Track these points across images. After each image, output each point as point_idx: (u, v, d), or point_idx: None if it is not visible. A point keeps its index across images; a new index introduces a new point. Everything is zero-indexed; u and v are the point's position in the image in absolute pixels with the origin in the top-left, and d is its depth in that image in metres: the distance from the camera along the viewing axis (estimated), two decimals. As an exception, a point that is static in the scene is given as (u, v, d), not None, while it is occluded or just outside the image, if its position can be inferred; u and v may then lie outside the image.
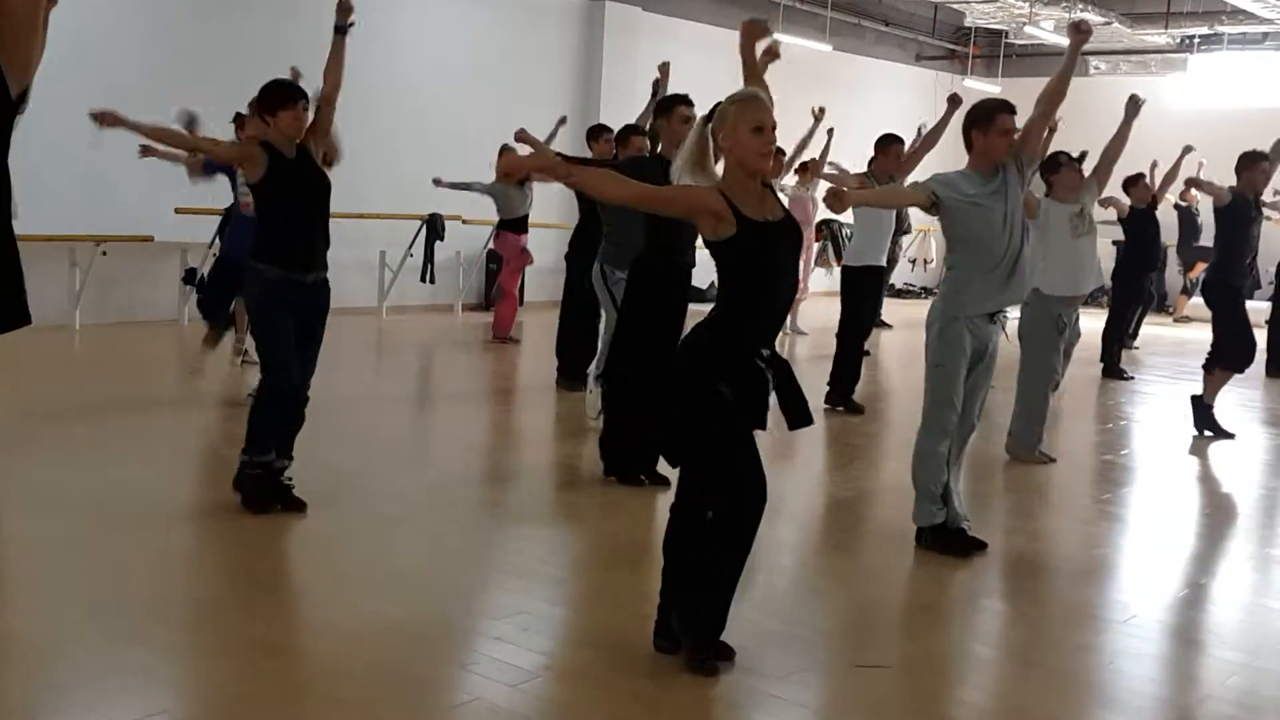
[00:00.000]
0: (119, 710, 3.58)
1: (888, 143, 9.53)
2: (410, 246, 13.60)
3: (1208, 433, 8.72)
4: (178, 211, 11.45)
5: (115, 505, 5.66)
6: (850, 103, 18.89)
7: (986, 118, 5.43)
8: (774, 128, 3.85)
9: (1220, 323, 8.70)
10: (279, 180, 5.48)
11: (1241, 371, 8.78)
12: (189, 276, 11.84)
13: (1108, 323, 11.96)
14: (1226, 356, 8.58)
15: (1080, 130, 21.04)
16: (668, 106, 6.73)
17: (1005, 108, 5.48)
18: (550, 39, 15.49)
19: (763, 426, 3.96)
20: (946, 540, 5.57)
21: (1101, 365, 11.66)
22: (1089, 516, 6.70)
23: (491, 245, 12.99)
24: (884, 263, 9.57)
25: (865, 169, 9.53)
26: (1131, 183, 11.82)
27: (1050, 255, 7.47)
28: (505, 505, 6.35)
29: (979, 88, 20.39)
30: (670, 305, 6.33)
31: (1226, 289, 8.70)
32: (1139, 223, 11.63)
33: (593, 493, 6.47)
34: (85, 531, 5.19)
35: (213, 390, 8.81)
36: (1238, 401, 10.03)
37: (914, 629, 4.72)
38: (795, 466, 7.22)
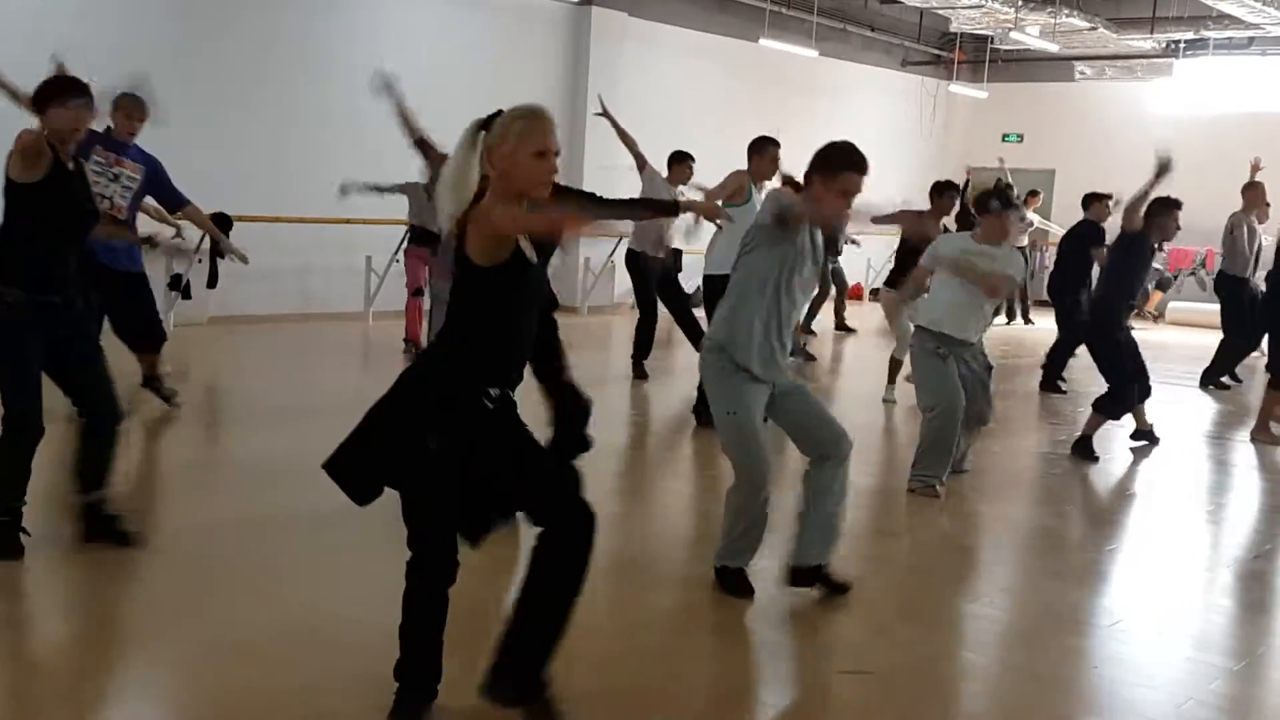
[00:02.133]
0: (98, 718, 3.56)
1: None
2: (396, 252, 13.57)
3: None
4: (163, 217, 11.43)
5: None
6: (836, 108, 18.95)
7: (831, 168, 4.60)
8: (558, 153, 3.44)
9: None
10: (51, 190, 4.74)
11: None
12: (174, 282, 11.86)
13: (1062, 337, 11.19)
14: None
15: (1064, 135, 21.26)
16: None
17: (858, 166, 4.59)
18: (536, 44, 15.47)
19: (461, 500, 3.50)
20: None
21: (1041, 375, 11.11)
22: (1075, 522, 6.71)
23: (401, 259, 12.11)
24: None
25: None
26: (1093, 199, 11.57)
27: (941, 289, 6.87)
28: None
29: (965, 93, 20.47)
30: None
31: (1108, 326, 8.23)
32: (1086, 242, 10.91)
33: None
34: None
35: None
36: (1228, 408, 10.06)
37: (898, 635, 4.71)
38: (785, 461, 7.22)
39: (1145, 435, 8.62)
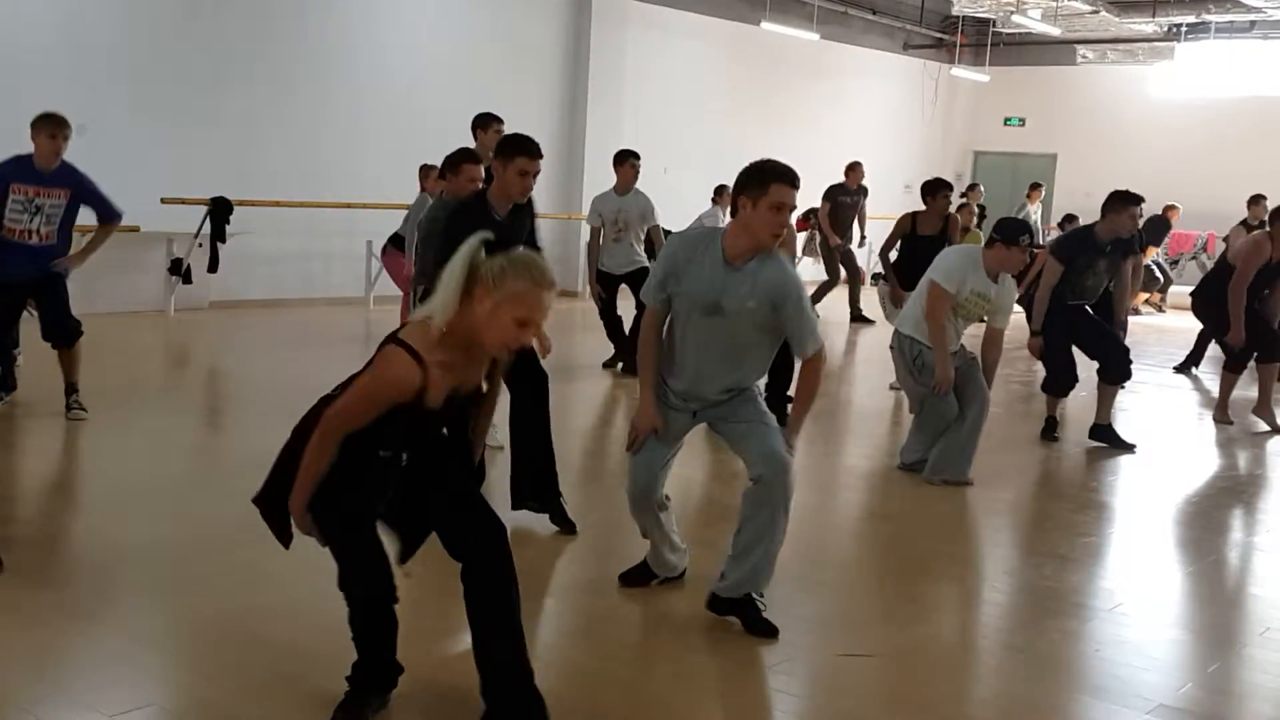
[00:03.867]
0: (106, 702, 3.57)
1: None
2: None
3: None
4: (164, 201, 11.43)
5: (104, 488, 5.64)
6: (838, 92, 18.93)
7: (759, 183, 4.15)
8: (541, 322, 3.28)
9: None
10: None
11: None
12: (175, 267, 11.87)
13: None
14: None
15: (1066, 119, 21.24)
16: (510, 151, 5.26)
17: (784, 177, 4.15)
18: (538, 27, 15.44)
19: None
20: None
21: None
22: (1076, 505, 6.72)
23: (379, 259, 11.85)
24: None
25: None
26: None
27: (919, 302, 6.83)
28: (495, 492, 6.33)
29: (967, 76, 20.43)
30: None
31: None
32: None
33: (578, 482, 6.47)
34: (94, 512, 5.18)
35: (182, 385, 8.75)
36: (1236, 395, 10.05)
37: (899, 618, 4.73)
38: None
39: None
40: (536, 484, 5.55)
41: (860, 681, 4.09)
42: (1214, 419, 9.18)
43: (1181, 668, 4.43)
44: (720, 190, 11.94)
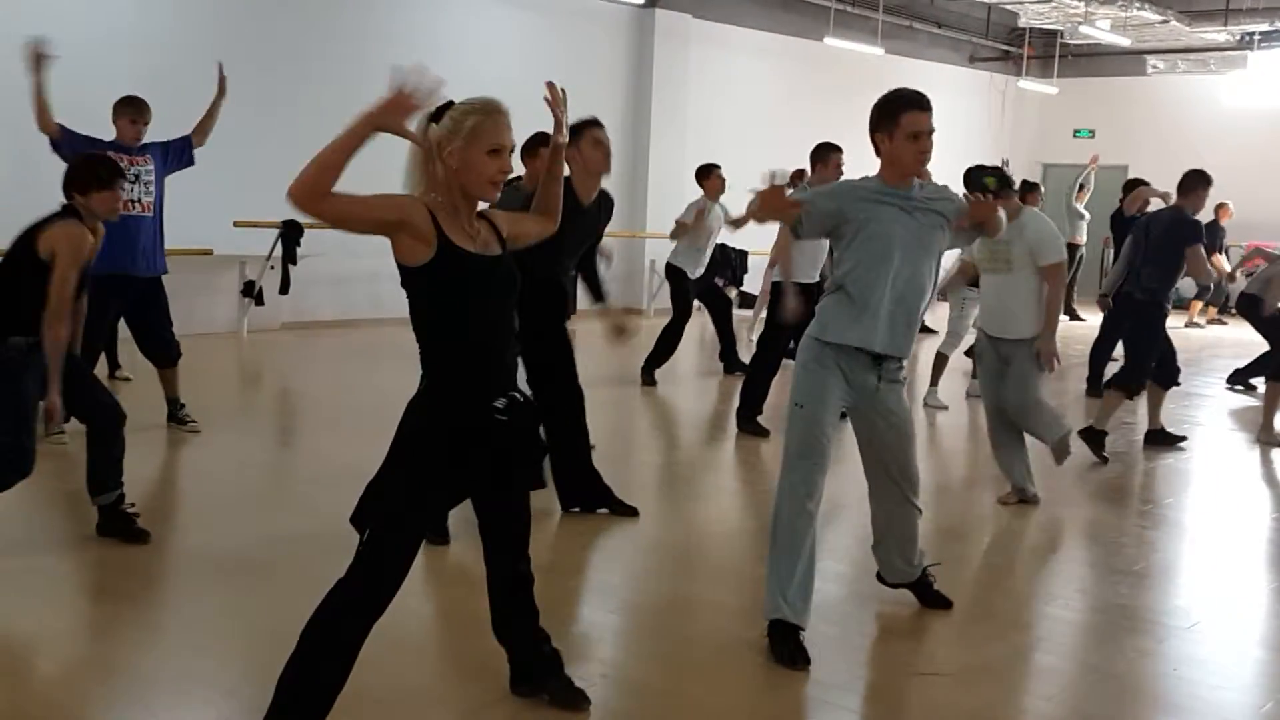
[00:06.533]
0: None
1: (825, 152, 8.39)
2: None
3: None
4: (236, 225, 11.62)
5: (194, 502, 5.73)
6: (903, 106, 18.79)
7: (890, 116, 4.30)
8: (512, 150, 3.30)
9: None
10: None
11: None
12: (248, 289, 12.06)
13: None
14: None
15: (1136, 130, 20.94)
16: (578, 130, 5.65)
17: (915, 103, 4.31)
18: (600, 46, 15.52)
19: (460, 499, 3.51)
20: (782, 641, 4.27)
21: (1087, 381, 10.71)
22: (1148, 521, 6.62)
23: None
24: (817, 278, 8.44)
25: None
26: (1130, 187, 11.54)
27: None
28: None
29: (1035, 89, 20.24)
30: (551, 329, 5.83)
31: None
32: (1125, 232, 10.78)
33: (648, 494, 6.48)
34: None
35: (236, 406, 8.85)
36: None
37: (972, 636, 4.68)
38: (853, 467, 7.18)
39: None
40: (580, 487, 6.01)
41: (932, 701, 4.05)
42: (1258, 440, 8.83)
43: (1261, 686, 4.35)
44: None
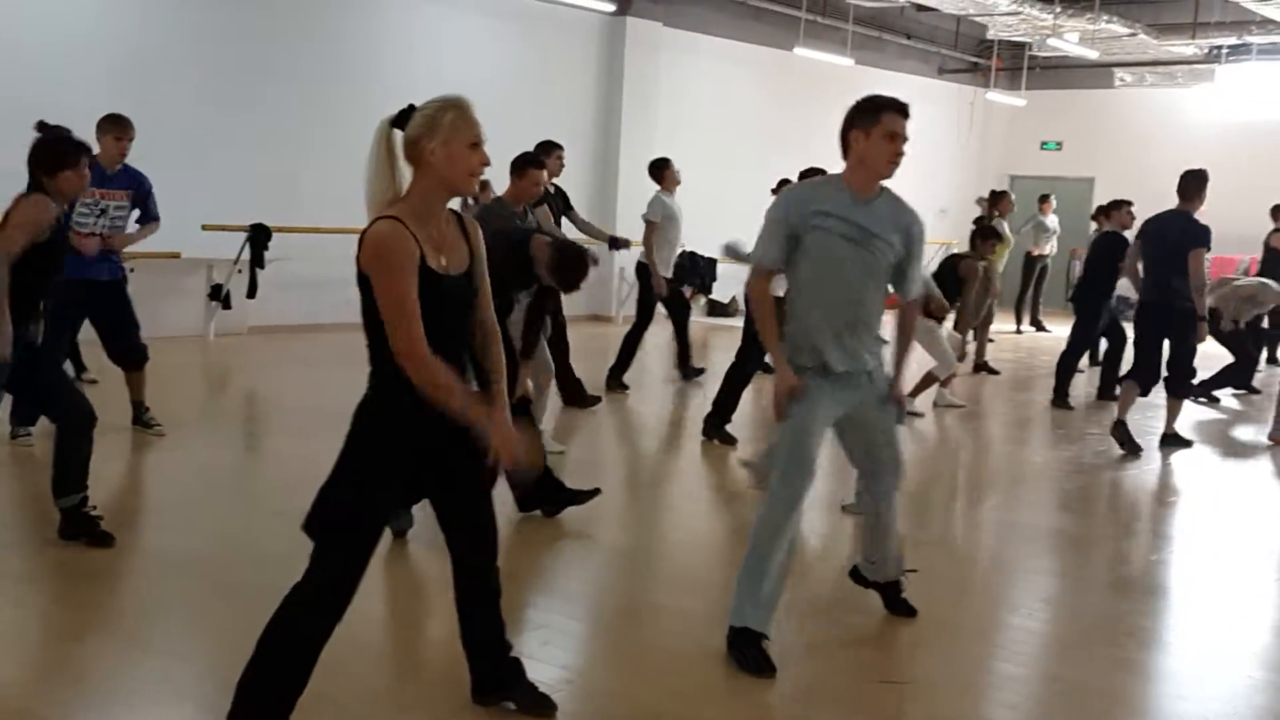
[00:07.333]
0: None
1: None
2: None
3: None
4: (204, 228, 11.54)
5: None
6: (873, 116, 18.84)
7: (871, 113, 4.33)
8: (483, 140, 3.33)
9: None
10: (47, 247, 5.12)
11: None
12: (214, 292, 11.97)
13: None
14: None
15: (1104, 142, 21.09)
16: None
17: (897, 106, 4.36)
18: (572, 54, 15.51)
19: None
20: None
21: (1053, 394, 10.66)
22: (1115, 531, 6.66)
23: None
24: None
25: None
26: (1113, 207, 11.74)
27: None
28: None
29: (1003, 101, 20.35)
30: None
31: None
32: (1107, 247, 10.84)
33: (612, 501, 6.47)
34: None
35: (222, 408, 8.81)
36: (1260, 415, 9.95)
37: (936, 645, 4.69)
38: (824, 472, 7.20)
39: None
40: (538, 493, 5.91)
41: (894, 710, 4.06)
42: (1270, 437, 9.15)
43: (1225, 699, 4.36)
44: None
